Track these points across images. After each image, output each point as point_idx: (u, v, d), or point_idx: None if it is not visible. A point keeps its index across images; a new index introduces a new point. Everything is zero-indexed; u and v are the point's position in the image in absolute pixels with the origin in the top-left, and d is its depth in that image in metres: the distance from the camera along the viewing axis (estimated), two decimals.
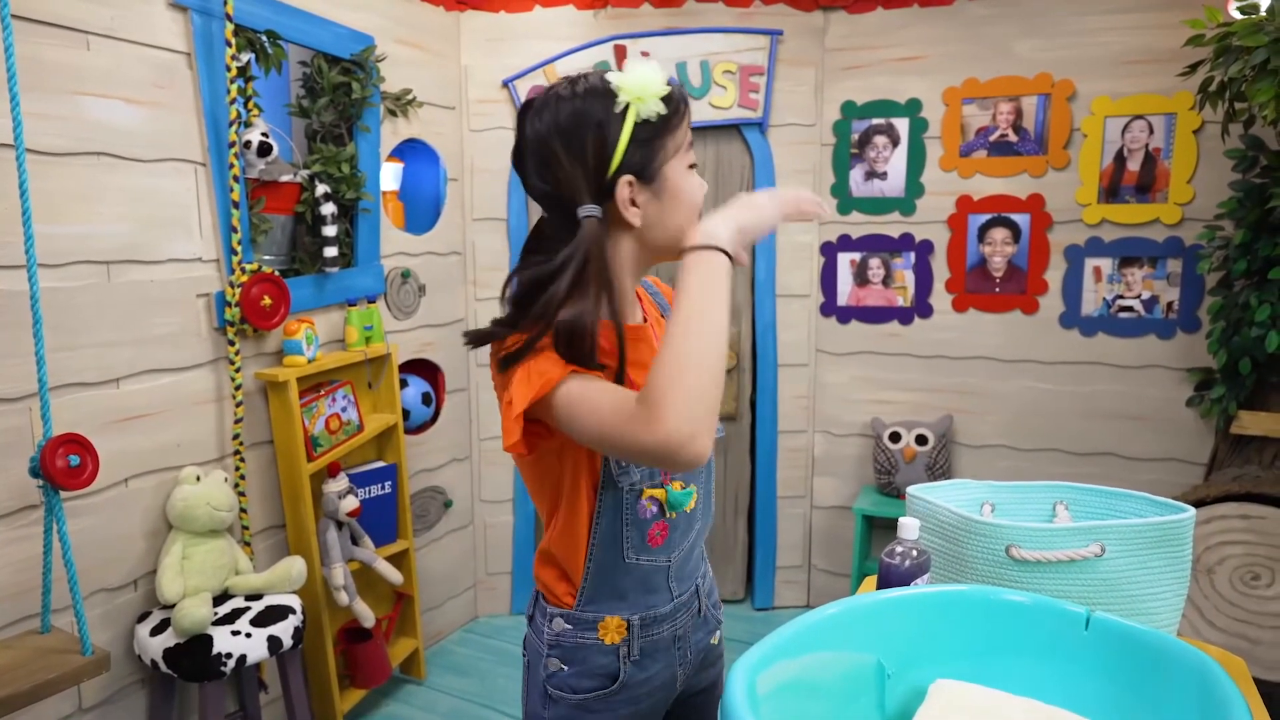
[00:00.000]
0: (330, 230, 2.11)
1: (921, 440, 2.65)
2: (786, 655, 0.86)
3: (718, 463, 2.88)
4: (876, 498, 2.73)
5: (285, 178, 2.05)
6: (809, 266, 2.82)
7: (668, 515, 1.05)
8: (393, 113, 2.39)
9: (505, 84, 2.66)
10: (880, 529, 2.79)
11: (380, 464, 2.34)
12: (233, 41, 1.83)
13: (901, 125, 2.67)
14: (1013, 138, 2.55)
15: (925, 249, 2.69)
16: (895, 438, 2.67)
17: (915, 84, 2.64)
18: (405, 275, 2.49)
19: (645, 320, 1.09)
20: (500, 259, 2.77)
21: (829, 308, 2.83)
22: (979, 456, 2.72)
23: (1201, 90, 1.95)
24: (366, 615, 2.14)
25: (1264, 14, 1.66)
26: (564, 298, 0.90)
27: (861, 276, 2.77)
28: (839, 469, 2.89)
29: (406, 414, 2.53)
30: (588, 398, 0.88)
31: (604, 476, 0.99)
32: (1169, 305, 2.45)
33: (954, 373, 2.71)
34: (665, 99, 0.93)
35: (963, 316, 2.68)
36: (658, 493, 1.03)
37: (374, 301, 2.28)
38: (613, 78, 0.92)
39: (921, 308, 2.72)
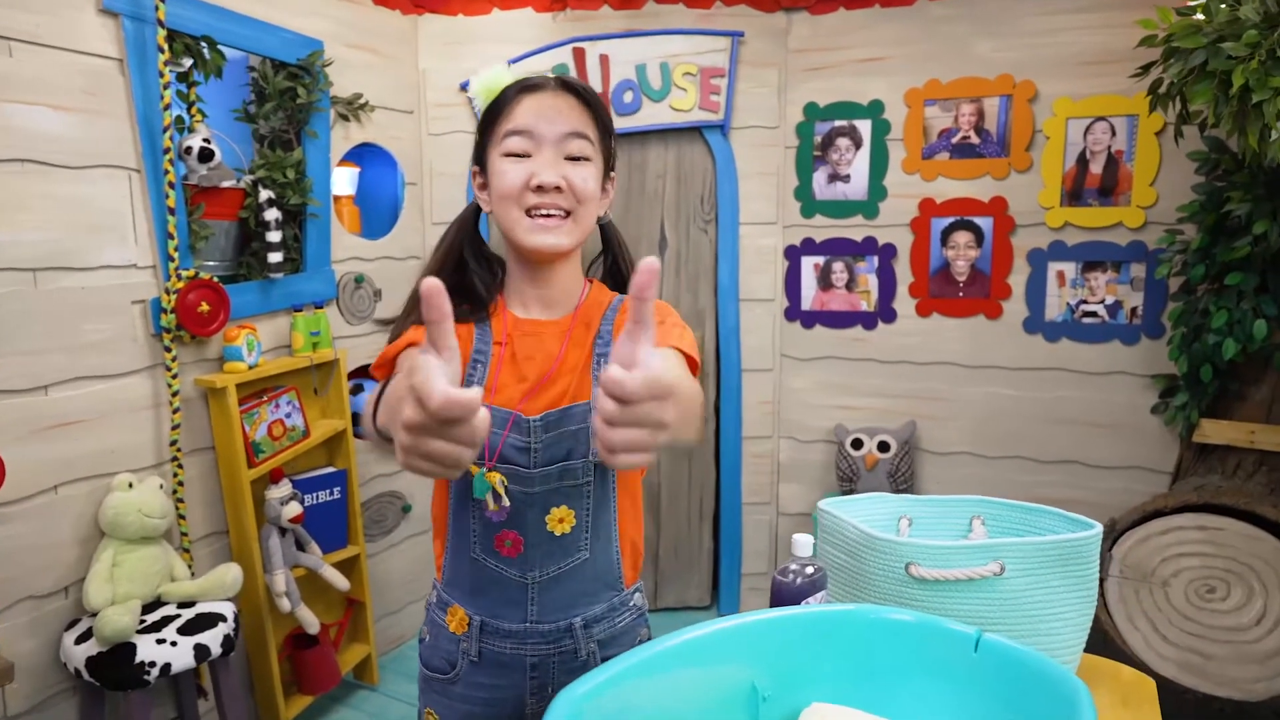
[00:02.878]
0: (274, 236, 2.10)
1: (884, 447, 2.61)
2: (623, 683, 0.83)
3: (679, 468, 2.86)
4: None
5: (227, 183, 2.04)
6: (773, 271, 2.79)
7: (501, 513, 1.00)
8: (344, 117, 2.37)
9: (463, 87, 2.64)
10: None
11: (330, 469, 2.33)
12: (165, 47, 1.82)
13: (864, 127, 2.63)
14: (975, 140, 2.51)
15: (888, 253, 2.65)
16: (857, 444, 2.64)
17: (878, 85, 2.60)
18: (359, 280, 2.48)
19: (569, 328, 1.05)
20: None
21: (793, 312, 2.79)
22: (942, 464, 2.68)
23: (1151, 92, 1.90)
24: (310, 622, 2.13)
25: (1200, 17, 1.62)
26: (426, 271, 1.00)
27: (825, 281, 2.74)
28: (804, 475, 2.86)
29: (358, 418, 2.52)
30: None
31: None
32: (1133, 310, 2.40)
33: (917, 378, 2.68)
34: (498, 95, 0.98)
35: (926, 321, 2.65)
36: (472, 467, 0.99)
37: (321, 307, 2.27)
38: (472, 83, 0.99)
39: (885, 312, 2.69)
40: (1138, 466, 2.45)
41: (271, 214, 2.09)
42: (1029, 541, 1.10)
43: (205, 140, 1.99)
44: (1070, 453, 2.52)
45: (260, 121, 2.18)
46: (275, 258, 2.12)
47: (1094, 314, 2.44)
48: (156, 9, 1.80)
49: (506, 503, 1.00)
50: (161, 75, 1.84)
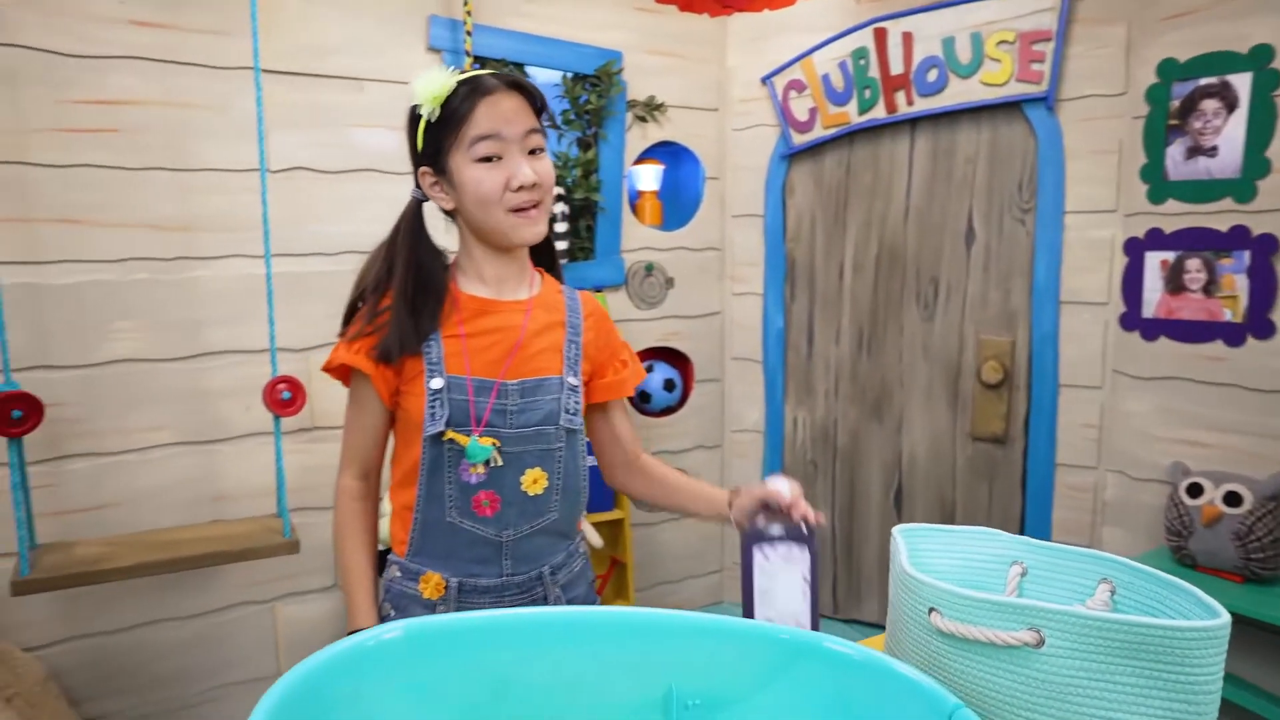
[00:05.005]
0: (560, 227, 2.42)
1: (1233, 500, 1.99)
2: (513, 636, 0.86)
3: (978, 487, 2.53)
4: (1168, 565, 2.13)
5: None
6: (1107, 268, 2.30)
7: (482, 475, 1.08)
8: (642, 119, 2.60)
9: (764, 81, 2.68)
10: None
11: None
12: None
13: (1241, 83, 2.02)
14: None
15: (1266, 246, 2.00)
16: (1195, 491, 2.06)
17: (1265, 26, 1.98)
18: (649, 268, 2.69)
19: (529, 305, 1.15)
20: (756, 255, 2.80)
21: (1131, 320, 2.27)
22: None
23: None
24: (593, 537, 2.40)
25: None
26: (374, 261, 1.12)
27: (1175, 282, 2.17)
28: (1136, 520, 2.31)
29: (648, 397, 2.74)
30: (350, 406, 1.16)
31: (424, 428, 1.07)
32: None
33: None
34: (445, 102, 1.03)
35: None
36: (460, 437, 1.07)
37: (600, 290, 2.53)
38: (412, 85, 1.05)
39: (1257, 325, 2.04)
40: None
41: (559, 208, 2.41)
42: (1077, 613, 0.83)
43: None
44: None
45: (563, 128, 2.51)
46: (559, 245, 2.43)
47: None
48: (465, 43, 2.21)
49: (500, 463, 1.09)
50: None
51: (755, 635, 0.90)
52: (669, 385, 2.77)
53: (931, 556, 1.12)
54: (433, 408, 1.07)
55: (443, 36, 2.23)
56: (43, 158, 1.83)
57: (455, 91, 1.05)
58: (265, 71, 2.03)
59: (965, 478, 2.55)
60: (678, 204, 2.91)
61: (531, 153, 1.07)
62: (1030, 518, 2.46)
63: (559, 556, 1.17)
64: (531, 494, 1.10)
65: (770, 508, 1.08)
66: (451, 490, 1.09)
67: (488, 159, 1.05)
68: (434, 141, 1.07)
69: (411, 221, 1.12)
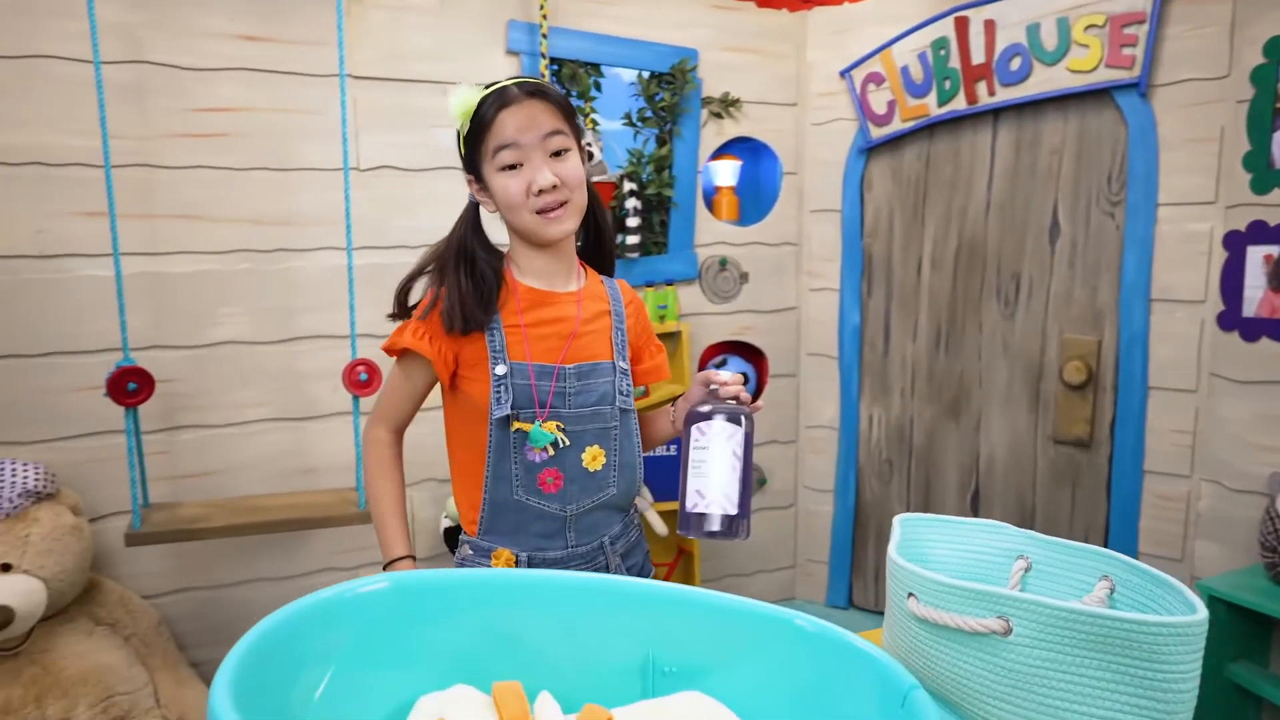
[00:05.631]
0: (632, 222, 2.48)
1: None
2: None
3: (1060, 490, 2.43)
4: (1263, 584, 1.98)
5: (598, 178, 2.48)
6: (1204, 263, 2.16)
7: (546, 454, 1.16)
8: (718, 115, 2.63)
9: (843, 74, 2.65)
10: (1259, 627, 2.01)
11: None
12: (546, 74, 2.32)
13: None
14: None
15: None
16: None
17: None
18: (723, 263, 2.72)
19: (579, 296, 1.23)
20: (833, 250, 2.78)
21: (1230, 319, 2.12)
22: None
23: None
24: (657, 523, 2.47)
25: None
26: (433, 254, 1.23)
27: None
28: (1231, 534, 2.16)
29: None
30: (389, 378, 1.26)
31: (491, 412, 1.17)
32: None
33: None
34: (474, 115, 1.14)
35: None
36: (524, 425, 1.16)
37: (671, 284, 2.58)
38: (448, 102, 1.16)
39: None
40: None
41: (631, 203, 2.47)
42: (1049, 604, 0.83)
43: (587, 144, 2.46)
44: None
45: (639, 125, 2.57)
46: (632, 240, 2.50)
47: None
48: (540, 45, 2.31)
49: (567, 442, 1.18)
50: None
51: (731, 609, 0.94)
52: (742, 379, 2.79)
53: (936, 548, 1.13)
54: (498, 393, 1.17)
55: (520, 40, 2.34)
56: (164, 160, 2.06)
57: (480, 104, 1.14)
58: (356, 78, 2.20)
59: (1046, 482, 2.45)
60: (758, 199, 2.92)
61: (557, 154, 1.15)
62: (1115, 527, 2.34)
63: (616, 527, 1.26)
64: (591, 470, 1.19)
65: (712, 393, 1.14)
66: (518, 470, 1.18)
67: (511, 166, 1.14)
68: (470, 153, 1.18)
69: (469, 221, 1.23)
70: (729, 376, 1.15)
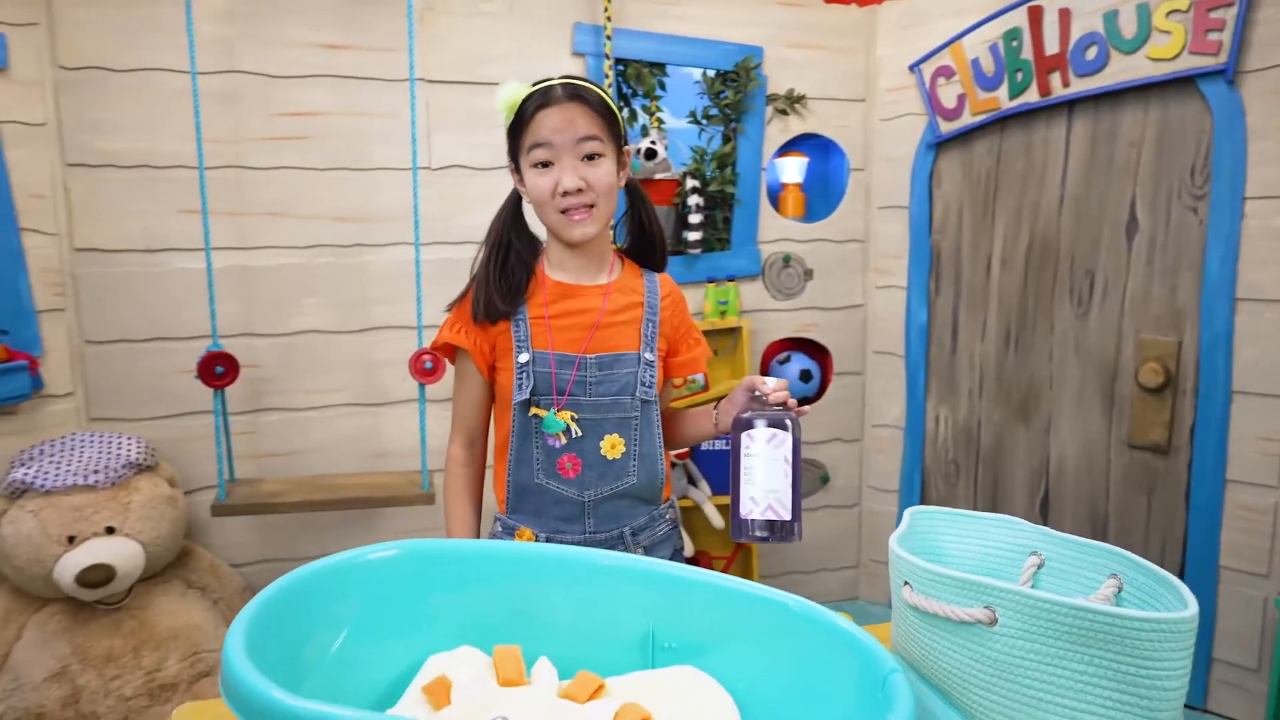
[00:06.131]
0: (694, 219, 2.52)
1: None
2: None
3: (1136, 498, 2.33)
4: None
5: (661, 175, 2.53)
6: None
7: (561, 441, 1.22)
8: (783, 111, 2.63)
9: (911, 69, 2.61)
10: None
11: None
12: (609, 74, 2.39)
13: None
14: None
15: None
16: None
17: None
18: (786, 259, 2.72)
19: (607, 289, 1.27)
20: (900, 247, 2.74)
21: None
22: None
23: None
24: (685, 544, 2.51)
25: None
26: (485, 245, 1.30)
27: None
28: None
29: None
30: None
31: (513, 397, 1.24)
32: None
33: None
34: (518, 111, 1.19)
35: None
36: (540, 411, 1.22)
37: (734, 280, 2.60)
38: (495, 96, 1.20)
39: None
40: None
41: (693, 200, 2.51)
42: (1032, 595, 0.83)
43: (651, 143, 2.51)
44: None
45: (702, 123, 2.60)
46: (693, 236, 2.53)
47: None
48: (605, 47, 2.37)
49: (578, 433, 1.24)
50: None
51: (729, 590, 0.97)
52: (805, 376, 2.78)
53: (949, 541, 1.13)
54: (520, 379, 1.24)
55: (586, 42, 2.41)
56: (253, 162, 2.22)
57: (524, 102, 1.19)
58: (429, 81, 2.31)
59: (1120, 489, 2.35)
60: (828, 196, 2.91)
61: (589, 159, 1.18)
62: (1194, 538, 2.23)
63: (640, 519, 1.29)
64: (610, 458, 1.24)
65: (757, 399, 1.16)
66: (539, 454, 1.25)
67: (543, 164, 1.19)
68: (511, 146, 1.23)
69: (510, 209, 1.30)
70: (775, 383, 1.16)
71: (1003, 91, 2.42)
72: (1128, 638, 0.78)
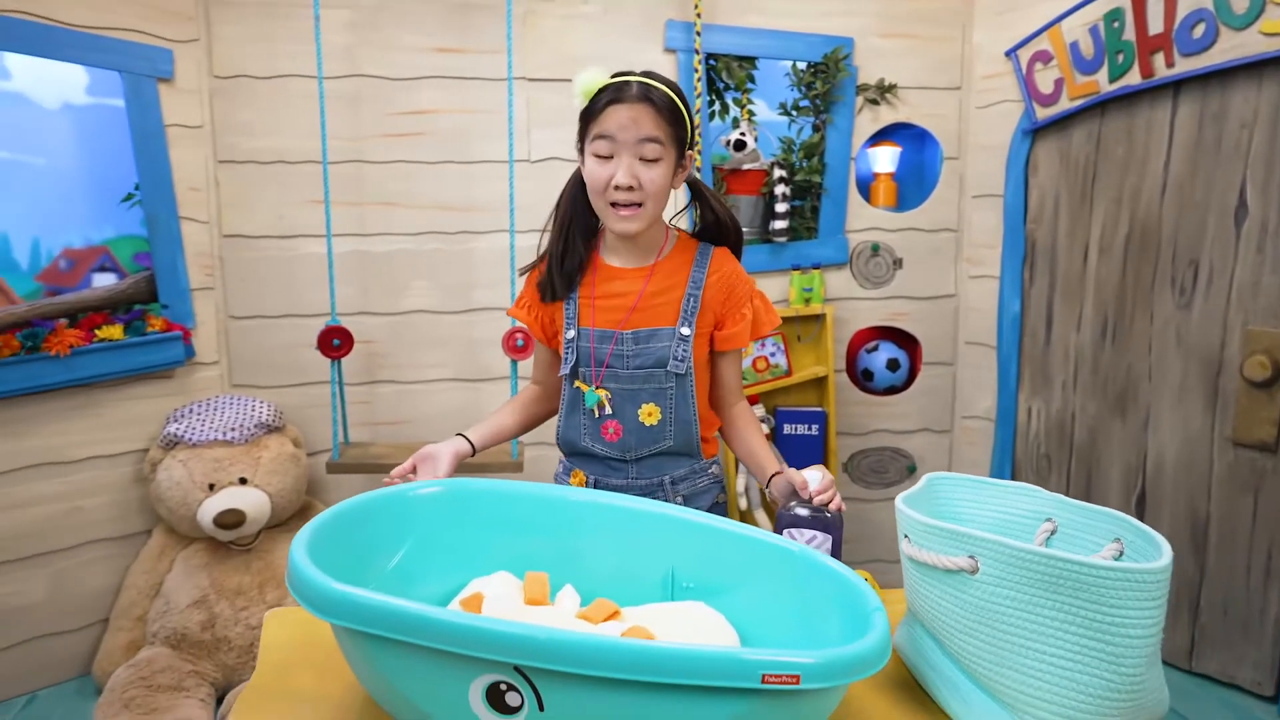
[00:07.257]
0: (781, 207, 2.58)
1: None
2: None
3: (1241, 500, 2.21)
4: None
5: (748, 166, 2.60)
6: None
7: (606, 414, 1.34)
8: (874, 101, 2.64)
9: (1008, 54, 2.56)
10: None
11: (813, 409, 2.70)
12: (699, 69, 2.48)
13: None
14: None
15: None
16: None
17: None
18: (875, 249, 2.73)
19: (651, 271, 1.37)
20: (994, 236, 2.69)
21: None
22: None
23: None
24: (759, 525, 2.59)
25: None
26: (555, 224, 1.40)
27: None
28: None
29: (871, 374, 2.80)
30: None
31: (561, 369, 1.38)
32: None
33: None
34: (593, 98, 1.25)
35: None
36: (582, 385, 1.35)
37: (819, 268, 2.64)
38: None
39: None
40: None
41: (780, 190, 2.57)
42: (1010, 545, 0.88)
43: (741, 134, 2.59)
44: None
45: (793, 114, 2.65)
46: (779, 225, 2.59)
47: None
48: (694, 43, 2.47)
49: (610, 411, 1.36)
50: (695, 88, 2.51)
51: (742, 537, 1.08)
52: (893, 365, 2.79)
53: (967, 507, 1.17)
54: (566, 354, 1.38)
55: (677, 38, 2.52)
56: (371, 156, 2.46)
57: (599, 92, 1.25)
58: (530, 80, 2.48)
59: (1223, 488, 2.24)
60: (922, 186, 2.89)
61: (647, 160, 1.24)
62: None
63: (681, 470, 1.40)
64: (648, 424, 1.35)
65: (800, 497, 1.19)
66: (585, 420, 1.38)
67: (603, 156, 1.26)
68: (581, 129, 1.30)
69: (576, 185, 1.37)
70: (819, 483, 1.18)
71: (1102, 75, 2.35)
72: (1096, 585, 0.82)
